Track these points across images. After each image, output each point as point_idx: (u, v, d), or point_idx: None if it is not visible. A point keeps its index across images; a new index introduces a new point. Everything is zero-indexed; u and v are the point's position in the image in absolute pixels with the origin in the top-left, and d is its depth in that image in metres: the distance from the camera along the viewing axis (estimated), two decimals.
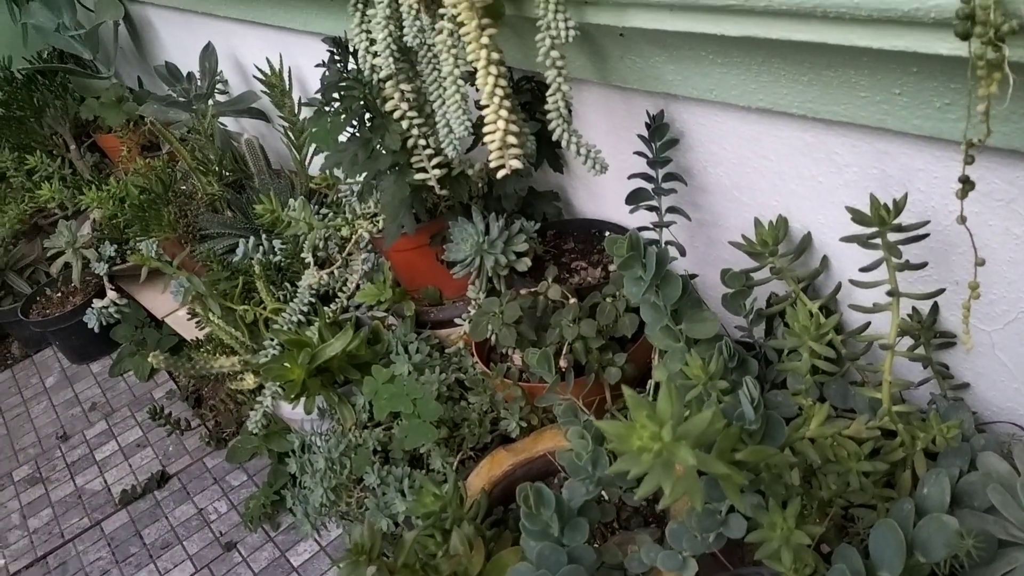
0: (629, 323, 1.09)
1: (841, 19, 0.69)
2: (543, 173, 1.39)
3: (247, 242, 1.68)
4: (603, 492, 0.95)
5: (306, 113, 1.86)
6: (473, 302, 1.31)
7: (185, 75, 1.99)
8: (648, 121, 1.08)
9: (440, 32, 0.96)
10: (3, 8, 2.52)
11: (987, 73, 0.59)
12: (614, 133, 1.20)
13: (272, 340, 1.40)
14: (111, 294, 2.12)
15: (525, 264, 1.23)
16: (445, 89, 1.01)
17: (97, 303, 2.11)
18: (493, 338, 1.17)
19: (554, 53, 0.91)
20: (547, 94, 0.95)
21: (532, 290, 1.18)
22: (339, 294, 1.44)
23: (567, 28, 0.85)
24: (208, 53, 1.99)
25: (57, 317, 2.29)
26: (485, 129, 0.94)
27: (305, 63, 1.82)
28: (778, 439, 0.77)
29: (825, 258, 1.01)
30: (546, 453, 1.13)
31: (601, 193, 1.33)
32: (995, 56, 0.58)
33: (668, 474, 0.63)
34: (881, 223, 0.80)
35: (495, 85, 0.92)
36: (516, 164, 0.95)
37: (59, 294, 2.36)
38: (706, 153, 1.08)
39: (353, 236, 1.39)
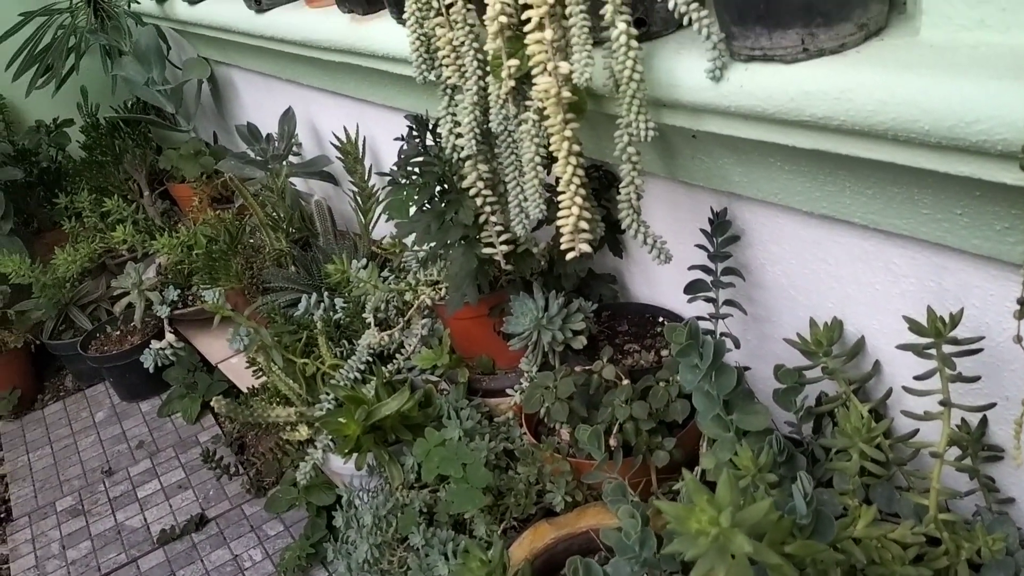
0: (680, 409, 1.12)
1: (911, 143, 0.74)
2: (601, 256, 1.45)
3: (309, 298, 1.75)
4: (647, 574, 0.97)
5: (375, 180, 1.95)
6: (526, 374, 1.35)
7: (264, 136, 2.09)
8: (711, 217, 1.14)
9: (525, 122, 1.03)
10: (97, 59, 2.68)
11: None
12: (676, 224, 1.25)
13: (329, 395, 1.45)
14: (169, 337, 2.19)
15: (581, 342, 1.27)
16: (524, 174, 1.07)
17: (155, 344, 2.18)
18: (543, 411, 1.21)
19: (631, 149, 0.97)
20: (620, 186, 1.01)
21: (586, 368, 1.22)
22: (396, 355, 1.49)
23: (647, 128, 0.92)
24: (288, 117, 2.10)
25: (114, 354, 2.37)
26: (560, 214, 1.00)
27: (379, 134, 1.92)
28: (827, 536, 0.79)
29: (877, 363, 1.04)
30: (589, 530, 1.15)
31: (657, 280, 1.38)
32: None
33: (723, 559, 0.66)
34: (937, 335, 0.83)
35: (573, 174, 0.98)
36: (585, 248, 1.01)
37: (118, 332, 2.45)
38: (765, 251, 1.13)
39: (415, 301, 1.45)
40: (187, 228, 2.17)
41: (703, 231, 1.15)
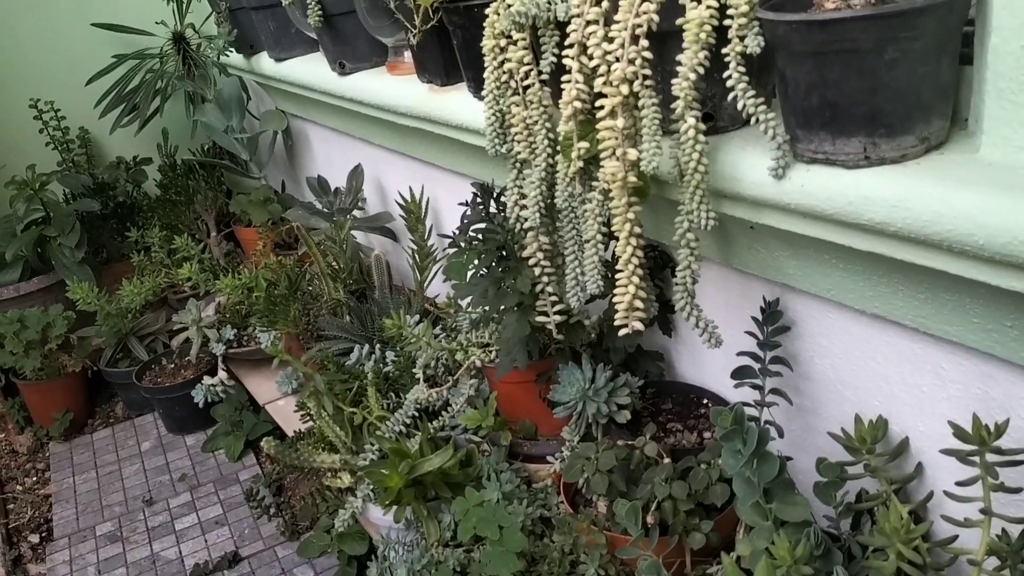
0: (720, 492, 1.13)
1: (964, 255, 0.77)
2: (651, 333, 1.48)
3: (362, 348, 1.81)
4: None
5: (434, 240, 2.02)
6: (568, 443, 1.37)
7: (332, 190, 2.18)
8: (763, 306, 1.17)
9: (589, 201, 1.07)
10: (181, 103, 2.83)
11: None
12: (727, 309, 1.28)
13: (374, 445, 1.49)
14: (221, 374, 2.26)
15: (625, 416, 1.30)
16: (584, 250, 1.12)
17: (207, 380, 2.25)
18: (583, 482, 1.23)
19: (690, 235, 1.01)
20: (677, 269, 1.04)
21: (628, 443, 1.24)
22: (442, 413, 1.53)
23: (707, 218, 0.95)
24: (356, 173, 2.19)
25: (167, 387, 2.44)
26: (616, 291, 1.04)
27: (443, 196, 1.99)
28: None
29: (920, 465, 1.04)
30: None
31: (704, 361, 1.40)
32: None
33: None
34: (981, 442, 0.85)
35: (632, 254, 1.02)
36: (639, 326, 1.04)
37: (173, 365, 2.53)
38: (815, 344, 1.15)
39: (465, 361, 1.49)
40: (248, 271, 2.25)
41: (754, 319, 1.17)
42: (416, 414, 1.54)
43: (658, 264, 1.35)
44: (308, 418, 1.68)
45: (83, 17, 2.90)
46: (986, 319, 0.86)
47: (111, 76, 2.84)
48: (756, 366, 1.18)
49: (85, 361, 2.59)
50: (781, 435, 1.17)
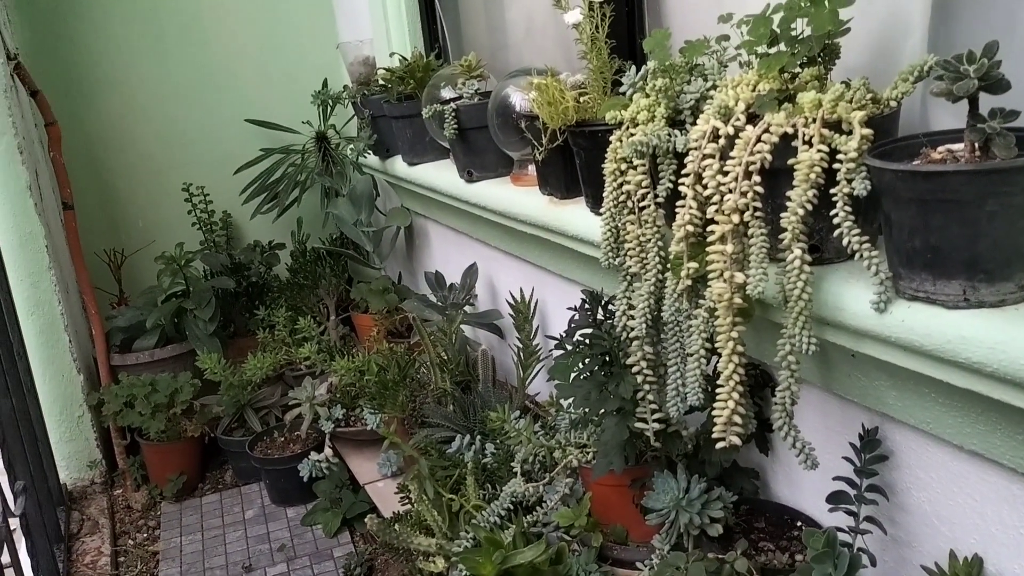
0: None
1: None
2: (747, 450, 1.50)
3: (463, 438, 1.89)
4: None
5: (539, 340, 2.10)
6: (658, 551, 1.40)
7: (448, 285, 2.31)
8: (862, 433, 1.19)
9: (695, 318, 1.14)
10: (316, 195, 3.06)
11: None
12: (825, 432, 1.30)
13: (469, 533, 1.55)
14: (327, 451, 2.38)
15: (717, 530, 1.32)
16: (686, 363, 1.18)
17: (314, 456, 2.37)
18: None
19: (791, 358, 1.06)
20: (777, 389, 1.09)
21: (719, 556, 1.26)
22: (537, 508, 1.58)
23: (809, 343, 1.01)
24: (471, 271, 2.32)
25: (275, 459, 2.57)
26: (716, 405, 1.09)
27: (551, 299, 2.09)
28: None
29: None
30: None
31: (799, 483, 1.42)
32: None
33: None
34: None
35: (734, 371, 1.08)
36: (736, 441, 1.09)
37: (283, 439, 2.66)
38: (912, 476, 1.16)
39: (563, 460, 1.55)
40: (361, 355, 2.38)
41: (852, 445, 1.20)
42: (511, 507, 1.60)
43: (758, 383, 1.39)
44: (407, 500, 1.75)
45: (239, 113, 3.22)
46: None
47: (257, 167, 3.11)
48: (852, 492, 1.19)
49: (204, 427, 2.75)
50: (874, 564, 1.17)
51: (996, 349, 0.84)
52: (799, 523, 1.39)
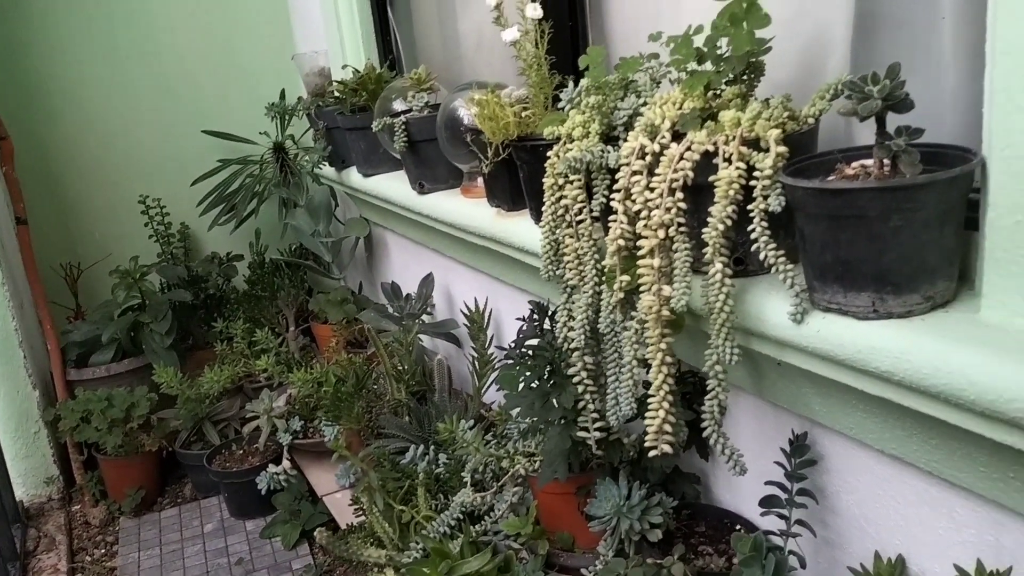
0: None
1: (960, 407, 0.83)
2: (690, 456, 1.53)
3: (417, 449, 1.90)
4: None
5: (495, 350, 2.13)
6: (601, 557, 1.42)
7: (404, 295, 2.33)
8: (791, 438, 1.22)
9: (628, 329, 1.17)
10: (275, 206, 3.06)
11: None
12: (761, 438, 1.34)
13: (418, 544, 1.56)
14: (286, 463, 2.37)
15: (656, 535, 1.35)
16: (622, 372, 1.21)
17: (272, 468, 2.36)
18: None
19: (717, 367, 1.09)
20: (705, 398, 1.12)
21: (658, 561, 1.29)
22: (486, 517, 1.60)
23: (731, 353, 1.04)
24: (427, 282, 2.33)
25: (234, 472, 2.56)
26: (647, 414, 1.12)
27: (505, 308, 2.11)
28: None
29: None
30: None
31: (739, 487, 1.45)
32: None
33: None
34: None
35: (663, 381, 1.11)
36: (667, 449, 1.12)
37: (241, 452, 2.66)
38: (841, 479, 1.20)
39: (511, 469, 1.57)
40: (320, 365, 2.39)
41: (783, 450, 1.23)
42: (461, 516, 1.61)
43: (696, 390, 1.42)
44: (361, 512, 1.76)
45: (197, 124, 3.20)
46: (991, 469, 0.91)
47: (214, 178, 3.10)
48: (783, 496, 1.23)
49: (162, 441, 2.74)
50: (804, 566, 1.21)
51: (902, 358, 0.87)
52: (738, 526, 1.42)
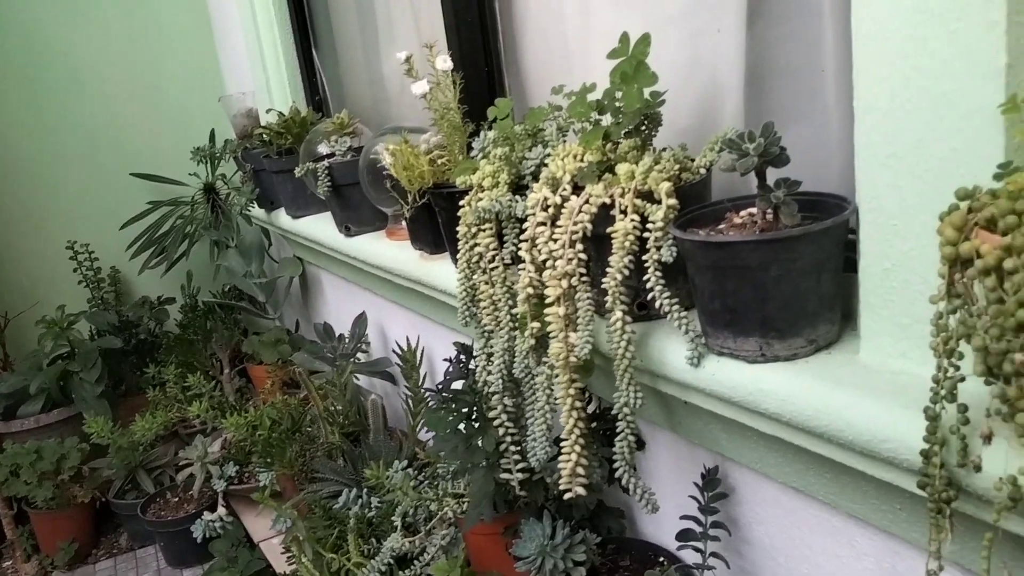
0: None
1: (842, 446, 0.88)
2: (615, 490, 1.56)
3: (349, 492, 1.90)
4: None
5: (430, 386, 2.14)
6: None
7: (337, 336, 2.33)
8: (704, 472, 1.26)
9: (539, 375, 1.20)
10: (206, 247, 3.05)
11: (935, 522, 0.75)
12: (677, 473, 1.37)
13: None
14: (221, 510, 2.35)
15: (580, 573, 1.37)
16: (535, 417, 1.23)
17: (207, 515, 2.34)
18: None
19: (625, 410, 1.12)
20: (616, 440, 1.15)
21: None
22: (416, 561, 1.61)
23: (635, 397, 1.07)
24: (360, 320, 2.34)
25: (169, 520, 2.53)
26: (560, 459, 1.14)
27: (437, 346, 2.12)
28: None
29: None
30: None
31: (662, 520, 1.48)
32: (944, 509, 0.75)
33: None
34: None
35: (574, 425, 1.13)
36: (580, 491, 1.14)
37: (176, 499, 2.62)
38: (752, 511, 1.24)
39: (440, 512, 1.58)
40: (256, 408, 2.37)
41: (696, 484, 1.27)
42: (392, 562, 1.62)
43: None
44: (293, 561, 1.76)
45: (125, 167, 3.18)
46: (881, 501, 0.95)
47: (144, 221, 3.07)
48: (698, 529, 1.26)
49: (95, 492, 2.69)
50: None
51: (788, 400, 0.91)
52: (662, 559, 1.45)
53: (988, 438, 0.70)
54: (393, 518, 1.65)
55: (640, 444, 1.43)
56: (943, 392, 0.72)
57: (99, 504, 2.74)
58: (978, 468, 0.71)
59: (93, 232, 3.20)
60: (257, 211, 2.74)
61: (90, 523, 2.78)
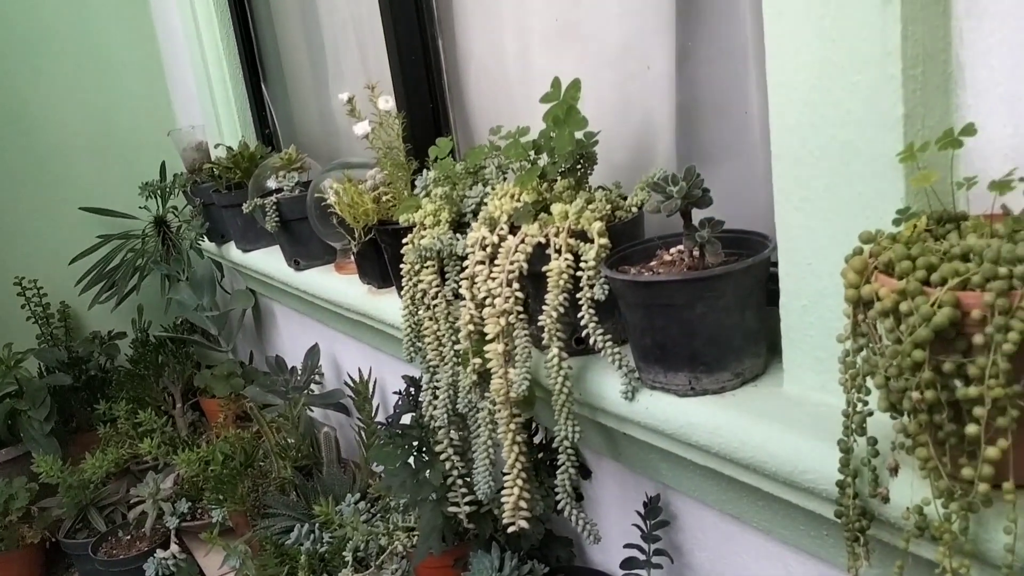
0: None
1: (767, 477, 0.91)
2: (562, 519, 1.58)
3: (301, 528, 1.89)
4: None
5: (381, 418, 2.14)
6: None
7: (289, 368, 2.33)
8: (646, 501, 1.29)
9: (482, 410, 1.22)
10: (157, 281, 3.03)
11: (852, 550, 0.79)
12: (623, 501, 1.40)
13: None
14: (174, 547, 2.33)
15: None
16: (479, 452, 1.25)
17: (160, 553, 2.31)
18: None
19: (565, 443, 1.15)
20: (558, 472, 1.18)
21: None
22: None
23: (573, 432, 1.10)
24: (312, 352, 2.34)
25: (121, 559, 2.48)
26: (503, 493, 1.16)
27: (390, 378, 2.13)
28: None
29: None
30: None
31: (609, 548, 1.50)
32: (859, 538, 0.78)
33: None
34: None
35: (516, 459, 1.16)
36: (524, 524, 1.16)
37: (128, 537, 2.58)
38: (693, 537, 1.26)
39: (390, 546, 1.59)
40: (208, 443, 2.35)
41: (639, 512, 1.29)
42: None
43: None
44: None
45: (75, 200, 3.14)
46: (808, 527, 0.99)
47: (94, 255, 3.04)
48: (642, 557, 1.29)
49: (44, 532, 2.63)
50: None
51: (716, 433, 0.95)
52: None
53: (895, 470, 0.74)
54: (344, 553, 1.65)
55: (586, 473, 1.46)
56: (853, 426, 0.75)
57: (49, 544, 2.68)
58: (886, 500, 0.75)
59: (42, 267, 3.16)
60: (208, 244, 2.73)
61: (40, 564, 2.72)
